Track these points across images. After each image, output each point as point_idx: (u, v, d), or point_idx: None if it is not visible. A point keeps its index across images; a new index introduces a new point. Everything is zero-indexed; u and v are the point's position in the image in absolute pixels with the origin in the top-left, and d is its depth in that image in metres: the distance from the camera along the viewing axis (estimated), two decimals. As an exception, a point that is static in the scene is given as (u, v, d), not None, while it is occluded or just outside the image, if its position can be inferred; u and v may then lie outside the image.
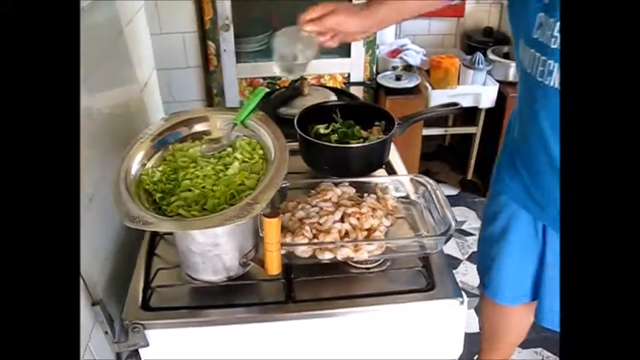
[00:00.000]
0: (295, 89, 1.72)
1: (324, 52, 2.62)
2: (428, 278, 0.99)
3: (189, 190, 0.88)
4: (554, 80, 0.94)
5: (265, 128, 1.03)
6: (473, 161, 2.81)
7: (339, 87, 2.45)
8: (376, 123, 1.32)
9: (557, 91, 0.95)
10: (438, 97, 2.47)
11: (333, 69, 2.55)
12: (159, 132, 0.99)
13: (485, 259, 1.36)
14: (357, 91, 2.55)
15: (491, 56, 2.57)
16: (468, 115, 2.69)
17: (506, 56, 2.57)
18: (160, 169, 0.94)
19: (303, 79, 1.67)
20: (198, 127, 1.04)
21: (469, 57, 2.54)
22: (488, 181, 2.69)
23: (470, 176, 2.86)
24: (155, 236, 1.09)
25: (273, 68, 1.18)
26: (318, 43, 1.11)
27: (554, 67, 0.93)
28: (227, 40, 2.36)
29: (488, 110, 2.60)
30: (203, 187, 0.88)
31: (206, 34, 2.36)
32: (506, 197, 1.25)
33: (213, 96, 2.51)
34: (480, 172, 2.82)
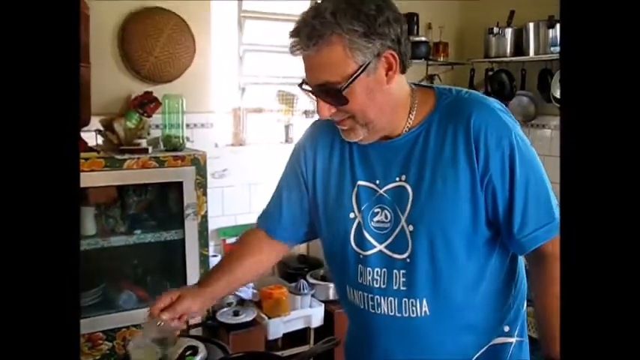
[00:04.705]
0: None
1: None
2: None
3: None
4: (384, 309, 1.19)
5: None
6: (310, 378, 2.98)
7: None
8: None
9: (388, 317, 1.19)
10: (275, 326, 2.70)
11: (171, 314, 2.63)
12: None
13: None
14: (198, 331, 2.64)
15: (311, 280, 2.93)
16: (298, 337, 2.92)
17: (323, 279, 2.95)
18: None
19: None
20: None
21: (293, 284, 2.86)
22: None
23: (310, 394, 3.01)
24: None
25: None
26: (173, 327, 1.25)
27: (381, 299, 1.19)
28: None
29: (316, 329, 2.87)
30: None
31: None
32: None
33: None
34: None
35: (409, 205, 1.15)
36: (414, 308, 1.16)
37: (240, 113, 3.20)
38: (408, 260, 1.15)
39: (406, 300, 1.16)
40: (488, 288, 1.19)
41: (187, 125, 2.87)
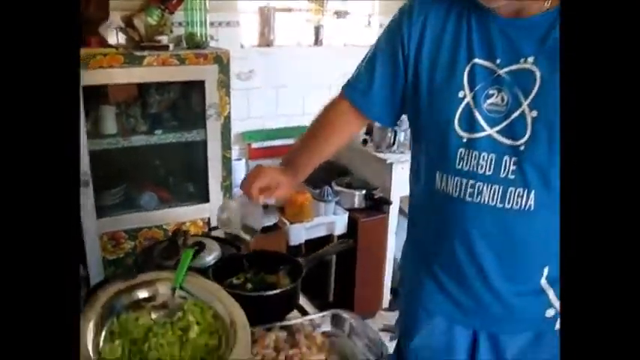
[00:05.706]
0: (174, 242, 1.76)
1: (183, 200, 2.71)
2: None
3: (160, 360, 0.91)
4: (485, 198, 1.11)
5: (200, 284, 1.10)
6: (332, 286, 3.00)
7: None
8: (280, 267, 1.43)
9: (488, 207, 1.11)
10: (297, 231, 2.67)
11: (193, 215, 2.63)
12: (106, 302, 1.00)
13: None
14: (220, 234, 2.64)
15: (337, 187, 2.87)
16: (321, 244, 2.90)
17: (348, 186, 2.89)
18: (117, 343, 0.95)
19: (184, 231, 1.74)
20: (142, 294, 1.07)
21: (317, 191, 2.81)
22: (349, 303, 2.89)
23: (331, 299, 3.03)
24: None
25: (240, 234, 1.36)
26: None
27: (483, 186, 1.11)
28: (86, 195, 2.32)
29: (339, 237, 2.84)
30: (172, 356, 0.92)
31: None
32: (440, 317, 1.27)
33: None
34: (339, 295, 3.01)
35: (535, 90, 1.05)
36: (519, 199, 1.09)
37: (268, 12, 3.04)
38: (523, 148, 1.07)
39: (512, 189, 1.09)
40: None
41: (212, 24, 2.74)
